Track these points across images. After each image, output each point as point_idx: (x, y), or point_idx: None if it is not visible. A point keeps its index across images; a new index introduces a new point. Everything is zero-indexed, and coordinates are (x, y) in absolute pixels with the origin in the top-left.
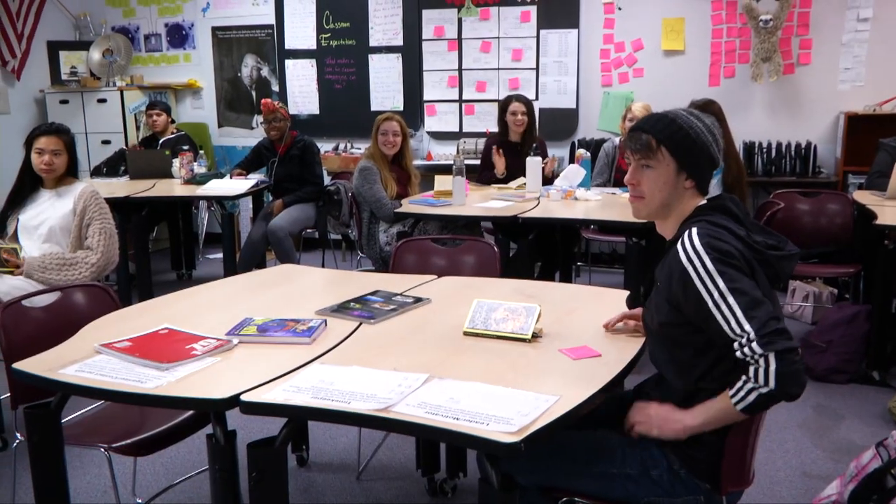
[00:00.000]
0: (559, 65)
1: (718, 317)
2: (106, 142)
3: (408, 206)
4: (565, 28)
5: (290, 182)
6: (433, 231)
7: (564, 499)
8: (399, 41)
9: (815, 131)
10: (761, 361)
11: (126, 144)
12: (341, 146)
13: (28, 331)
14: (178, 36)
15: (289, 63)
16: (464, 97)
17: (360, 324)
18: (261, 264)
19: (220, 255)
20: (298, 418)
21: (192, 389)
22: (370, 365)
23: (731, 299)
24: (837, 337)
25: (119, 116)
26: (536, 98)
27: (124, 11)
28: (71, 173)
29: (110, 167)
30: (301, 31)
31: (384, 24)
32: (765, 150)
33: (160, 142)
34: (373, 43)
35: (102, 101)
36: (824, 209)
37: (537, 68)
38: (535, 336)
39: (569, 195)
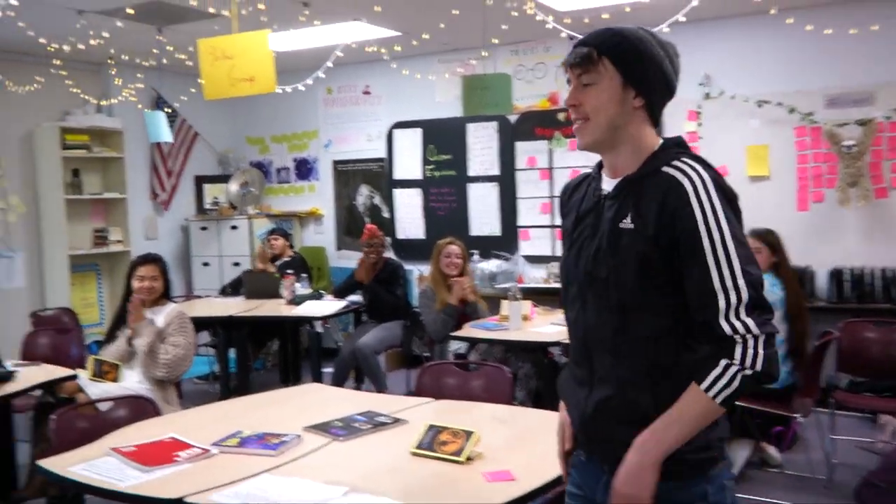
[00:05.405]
0: None
1: (711, 261)
2: (236, 264)
3: (467, 329)
4: None
5: (382, 303)
6: (498, 353)
7: None
8: (496, 171)
9: None
10: (751, 341)
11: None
12: None
13: (77, 432)
14: (305, 169)
15: (397, 192)
16: (556, 223)
17: (332, 440)
18: (358, 379)
19: (331, 370)
20: None
21: (156, 490)
22: (316, 478)
23: (730, 246)
24: None
25: (247, 241)
26: None
27: (260, 148)
28: (165, 295)
29: (233, 288)
30: (409, 162)
31: (481, 156)
32: (856, 275)
33: (277, 264)
34: (471, 173)
35: (234, 227)
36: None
37: None
38: (469, 459)
39: None
